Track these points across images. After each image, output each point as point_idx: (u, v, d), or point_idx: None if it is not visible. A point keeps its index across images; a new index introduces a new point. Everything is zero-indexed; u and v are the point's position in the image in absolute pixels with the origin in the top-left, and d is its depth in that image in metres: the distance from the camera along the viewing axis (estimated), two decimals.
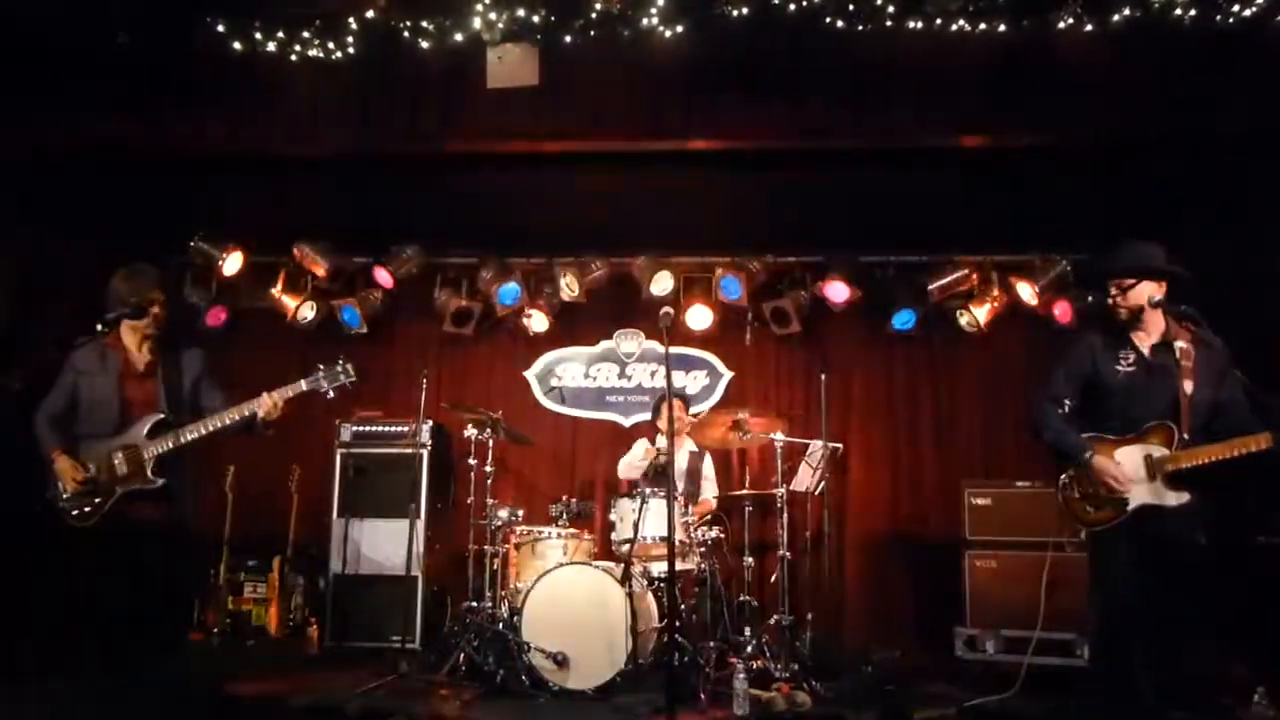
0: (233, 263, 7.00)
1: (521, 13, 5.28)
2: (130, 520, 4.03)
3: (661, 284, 6.83)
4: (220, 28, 5.51)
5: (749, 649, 5.25)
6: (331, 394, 4.33)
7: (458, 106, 5.61)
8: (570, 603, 4.98)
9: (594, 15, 5.29)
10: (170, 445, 4.05)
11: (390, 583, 6.31)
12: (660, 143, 5.58)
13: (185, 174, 6.32)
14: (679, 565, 5.27)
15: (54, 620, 3.93)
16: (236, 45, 5.54)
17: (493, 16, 5.30)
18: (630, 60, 5.35)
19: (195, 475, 4.35)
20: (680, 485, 5.89)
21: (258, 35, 5.54)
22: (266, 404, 4.14)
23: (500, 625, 5.23)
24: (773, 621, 5.47)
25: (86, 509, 4.01)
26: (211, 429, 4.10)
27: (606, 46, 5.35)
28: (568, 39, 5.36)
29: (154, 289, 4.18)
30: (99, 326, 4.10)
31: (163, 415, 4.13)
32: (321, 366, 4.31)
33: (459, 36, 5.46)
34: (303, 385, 4.26)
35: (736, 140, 5.52)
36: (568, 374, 7.33)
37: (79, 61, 5.51)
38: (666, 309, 4.56)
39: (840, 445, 5.87)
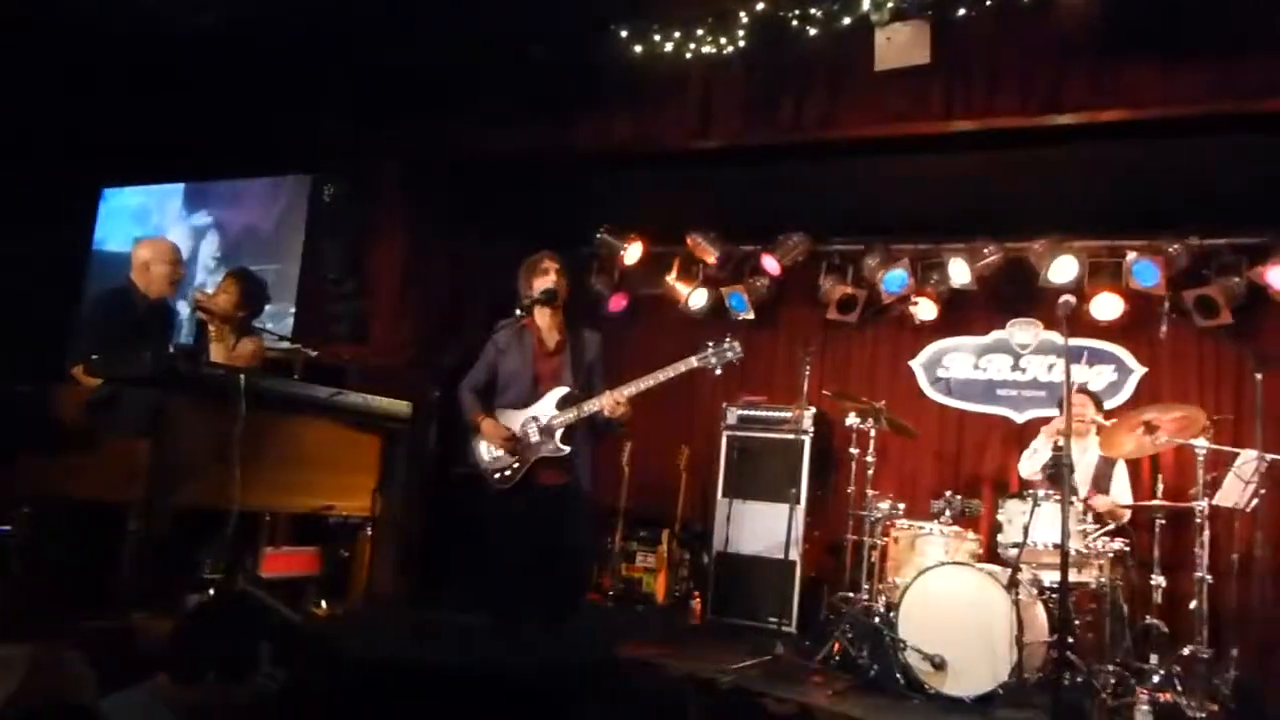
0: (633, 252, 7.49)
1: None
2: (538, 485, 4.46)
3: (1063, 270, 6.26)
4: (624, 34, 5.90)
5: (1156, 679, 4.68)
6: (719, 371, 4.47)
7: (844, 91, 5.56)
8: (950, 604, 4.78)
9: None
10: (573, 417, 4.41)
11: (769, 565, 6.44)
12: (1063, 116, 5.12)
13: (593, 172, 6.87)
14: (1075, 577, 4.85)
15: (473, 568, 4.45)
16: (637, 49, 5.90)
17: None
18: (1030, 30, 4.98)
19: (594, 447, 4.69)
20: (1081, 489, 5.43)
21: (656, 37, 5.87)
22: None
23: (876, 619, 5.14)
24: (1186, 652, 4.82)
25: (507, 473, 4.46)
26: (587, 413, 4.38)
27: (1004, 17, 5.02)
28: (961, 12, 5.09)
29: (548, 270, 4.56)
30: (517, 310, 4.59)
31: (568, 389, 4.51)
32: (710, 344, 4.46)
33: (846, 20, 5.40)
34: (693, 361, 4.43)
35: (1154, 109, 4.91)
36: (955, 365, 6.99)
37: (497, 76, 6.17)
38: (1067, 297, 4.19)
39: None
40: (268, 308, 6.81)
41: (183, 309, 5.53)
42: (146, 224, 7.95)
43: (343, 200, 6.77)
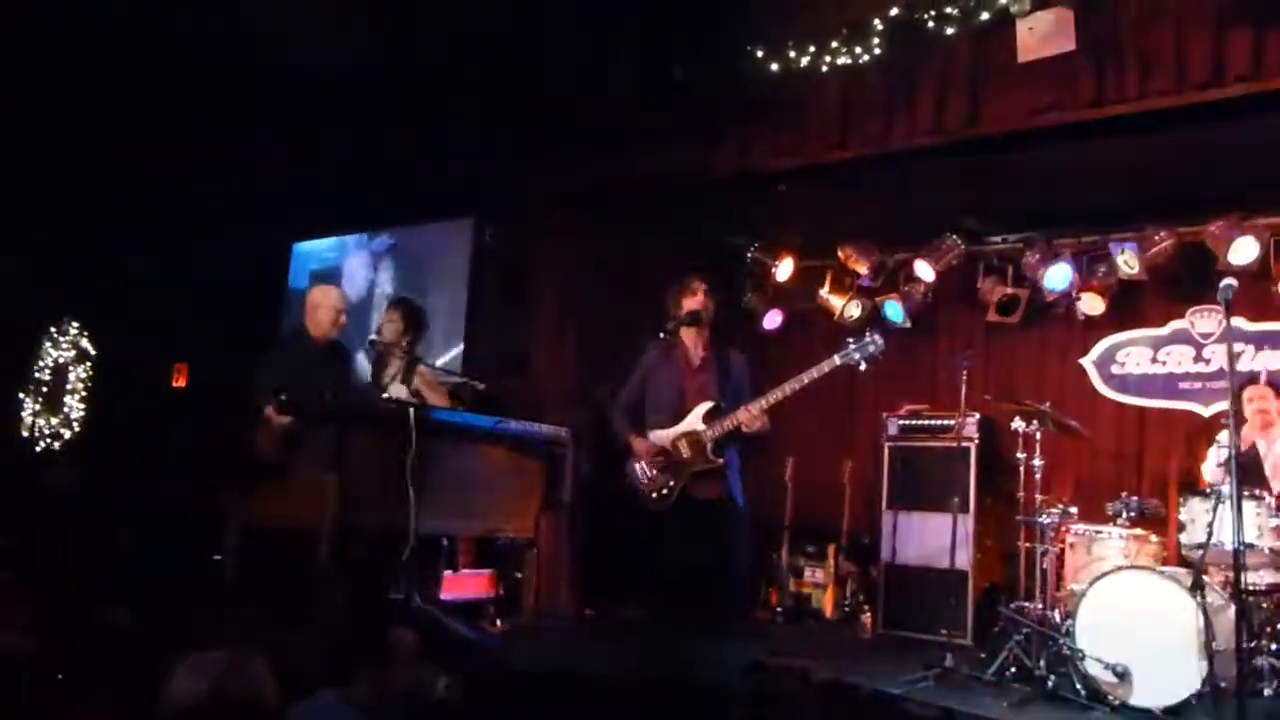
0: (784, 268, 7.51)
1: None
2: (695, 499, 4.56)
3: (1243, 251, 5.83)
4: (760, 53, 5.98)
5: None
6: (864, 366, 4.48)
7: (986, 87, 5.42)
8: (1131, 610, 4.53)
9: None
10: (722, 429, 4.49)
11: (939, 576, 6.26)
12: (1226, 89, 4.82)
13: (740, 190, 6.94)
14: (1271, 578, 4.58)
15: (635, 582, 4.59)
16: (774, 66, 5.96)
17: None
18: (1181, 3, 4.74)
19: (746, 460, 4.75)
20: (1276, 484, 5.06)
21: (792, 53, 5.91)
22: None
23: (1051, 628, 4.95)
24: None
25: (664, 491, 4.59)
26: (731, 426, 4.45)
27: None
28: None
29: (696, 291, 4.67)
30: (663, 331, 4.74)
31: (714, 402, 4.60)
32: (851, 340, 4.47)
33: (984, 15, 5.30)
34: (836, 360, 4.45)
35: None
36: (1131, 360, 6.63)
37: (639, 104, 6.35)
38: (1228, 280, 3.94)
39: None
40: (455, 351, 7.28)
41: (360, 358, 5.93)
42: (330, 251, 8.60)
43: (504, 237, 7.13)
